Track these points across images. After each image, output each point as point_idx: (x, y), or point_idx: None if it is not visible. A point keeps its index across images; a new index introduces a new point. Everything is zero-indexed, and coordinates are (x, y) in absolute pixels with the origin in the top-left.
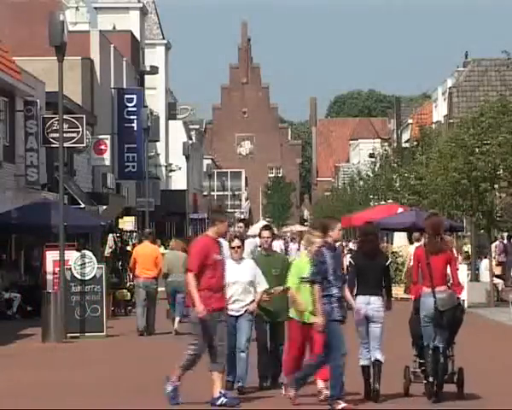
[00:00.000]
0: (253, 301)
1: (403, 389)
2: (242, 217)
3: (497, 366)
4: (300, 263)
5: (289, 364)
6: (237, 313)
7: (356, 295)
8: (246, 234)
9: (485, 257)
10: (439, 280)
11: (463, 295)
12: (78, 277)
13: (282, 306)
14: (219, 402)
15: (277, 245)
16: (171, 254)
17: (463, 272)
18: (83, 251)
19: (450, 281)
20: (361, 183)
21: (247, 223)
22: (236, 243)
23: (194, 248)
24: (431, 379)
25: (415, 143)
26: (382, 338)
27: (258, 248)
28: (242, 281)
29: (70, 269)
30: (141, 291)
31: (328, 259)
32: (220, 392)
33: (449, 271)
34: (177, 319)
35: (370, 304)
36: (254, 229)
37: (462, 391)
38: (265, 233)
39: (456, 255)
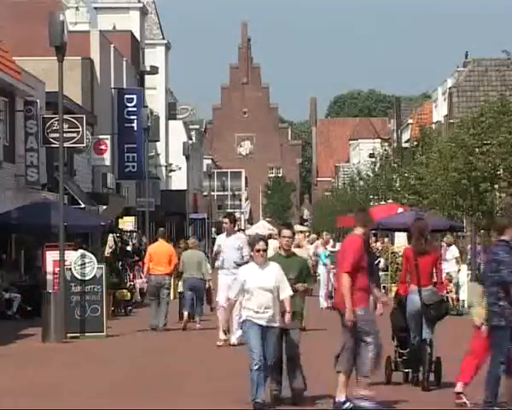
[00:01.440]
0: (286, 312)
1: (385, 378)
2: (229, 212)
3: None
4: None
5: (470, 372)
6: (267, 324)
7: None
8: (233, 231)
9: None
10: (425, 279)
11: (463, 296)
12: (78, 277)
13: (297, 310)
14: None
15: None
16: (189, 253)
17: (463, 273)
18: (81, 251)
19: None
20: (361, 183)
21: (234, 218)
22: (261, 245)
23: (349, 248)
24: (420, 368)
25: (415, 143)
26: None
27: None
28: (268, 287)
29: (70, 269)
30: (152, 287)
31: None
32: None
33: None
34: (197, 319)
35: None
36: (254, 229)
37: (440, 380)
38: (286, 232)
39: (441, 256)
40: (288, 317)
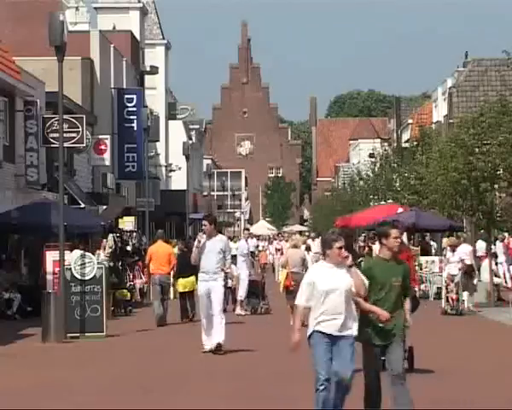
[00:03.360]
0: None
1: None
2: (208, 213)
3: (489, 366)
4: None
5: None
6: (338, 333)
7: None
8: (214, 233)
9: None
10: None
11: (464, 296)
12: (78, 277)
13: (399, 324)
14: None
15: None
16: None
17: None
18: (78, 251)
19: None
20: (361, 183)
21: (214, 219)
22: (342, 242)
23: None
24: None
25: (415, 143)
26: None
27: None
28: (341, 289)
29: (70, 269)
30: (156, 286)
31: None
32: None
33: None
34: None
35: None
36: (254, 229)
37: (413, 366)
38: (395, 232)
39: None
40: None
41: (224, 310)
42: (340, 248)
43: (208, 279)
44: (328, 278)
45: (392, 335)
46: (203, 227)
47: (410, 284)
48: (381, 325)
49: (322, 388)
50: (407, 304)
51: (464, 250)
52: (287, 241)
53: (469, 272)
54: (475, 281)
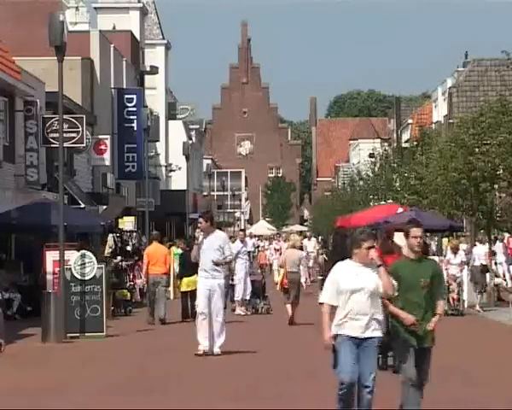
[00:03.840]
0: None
1: None
2: (205, 211)
3: (489, 365)
4: None
5: None
6: (363, 335)
7: None
8: (211, 230)
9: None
10: None
11: (464, 296)
12: (78, 277)
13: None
14: None
15: (250, 243)
16: None
17: (464, 272)
18: (83, 251)
19: None
20: (361, 183)
21: (210, 217)
22: (371, 242)
23: None
24: (390, 353)
25: (415, 143)
26: None
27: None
28: (367, 289)
29: (70, 269)
30: (151, 286)
31: None
32: None
33: None
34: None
35: None
36: (254, 229)
37: None
38: (417, 231)
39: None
40: (436, 319)
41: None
42: (369, 248)
43: (208, 277)
44: (352, 278)
45: (426, 338)
46: (199, 224)
47: (441, 284)
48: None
49: (345, 391)
50: (439, 306)
51: (480, 251)
52: (285, 241)
53: (485, 271)
54: (488, 281)
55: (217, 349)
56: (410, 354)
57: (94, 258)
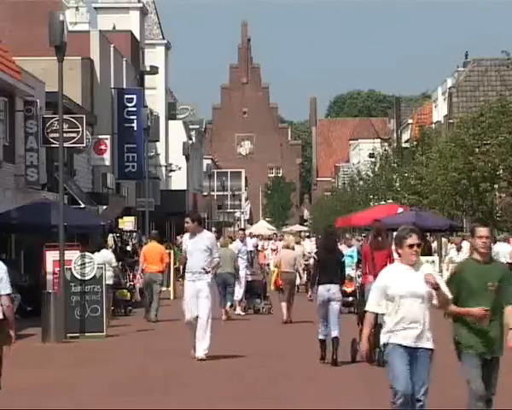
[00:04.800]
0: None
1: (350, 357)
2: (192, 211)
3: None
4: None
5: None
6: (416, 345)
7: (318, 283)
8: (198, 230)
9: None
10: (380, 270)
11: None
12: (78, 277)
13: (497, 334)
14: None
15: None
16: (222, 251)
17: None
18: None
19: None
20: (361, 183)
21: (197, 217)
22: (415, 239)
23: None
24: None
25: (415, 143)
26: (339, 316)
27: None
28: (420, 294)
29: (70, 269)
30: (146, 283)
31: None
32: None
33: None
34: (228, 304)
35: (330, 290)
36: (254, 229)
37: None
38: (483, 231)
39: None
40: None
41: (231, 306)
42: (412, 246)
43: (195, 279)
44: (403, 282)
45: (494, 346)
46: (186, 225)
47: (510, 288)
48: (479, 327)
49: (402, 401)
50: (509, 312)
51: (505, 249)
52: (280, 240)
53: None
54: None
55: (201, 354)
56: (476, 366)
57: (94, 258)
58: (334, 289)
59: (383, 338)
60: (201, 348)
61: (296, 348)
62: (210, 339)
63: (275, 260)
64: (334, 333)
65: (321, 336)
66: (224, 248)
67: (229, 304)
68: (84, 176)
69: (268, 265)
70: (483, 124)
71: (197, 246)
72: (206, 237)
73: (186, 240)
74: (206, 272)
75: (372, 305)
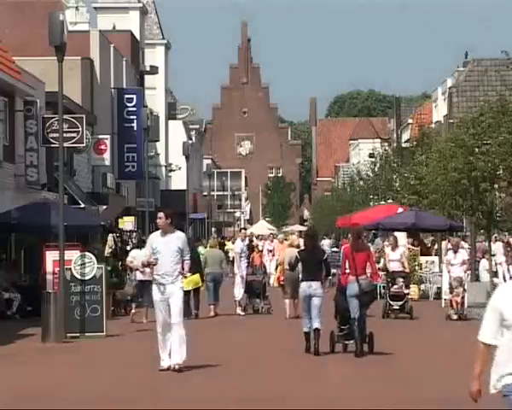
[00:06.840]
0: None
1: (329, 348)
2: (166, 207)
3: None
4: None
5: None
6: None
7: (301, 280)
8: (171, 229)
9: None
10: (360, 270)
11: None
12: (78, 277)
13: None
14: None
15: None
16: (210, 252)
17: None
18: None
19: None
20: (361, 183)
21: (172, 213)
22: None
23: None
24: (357, 340)
25: (414, 143)
26: (321, 310)
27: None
28: None
29: (70, 269)
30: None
31: None
32: None
33: (369, 264)
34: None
35: (311, 287)
36: (254, 229)
37: (373, 349)
38: None
39: (373, 253)
40: None
41: (244, 308)
42: None
43: (165, 283)
44: None
45: None
46: (158, 220)
47: None
48: None
49: None
50: None
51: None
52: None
53: None
54: None
55: (175, 364)
56: None
57: (94, 258)
58: (315, 285)
59: (495, 382)
60: (176, 358)
61: (297, 348)
62: (185, 343)
63: (279, 258)
64: (315, 325)
65: (305, 329)
66: (212, 248)
67: (213, 306)
68: (84, 176)
69: (264, 266)
70: (483, 124)
71: (168, 247)
72: (178, 237)
73: (153, 238)
74: (183, 276)
75: (485, 333)
